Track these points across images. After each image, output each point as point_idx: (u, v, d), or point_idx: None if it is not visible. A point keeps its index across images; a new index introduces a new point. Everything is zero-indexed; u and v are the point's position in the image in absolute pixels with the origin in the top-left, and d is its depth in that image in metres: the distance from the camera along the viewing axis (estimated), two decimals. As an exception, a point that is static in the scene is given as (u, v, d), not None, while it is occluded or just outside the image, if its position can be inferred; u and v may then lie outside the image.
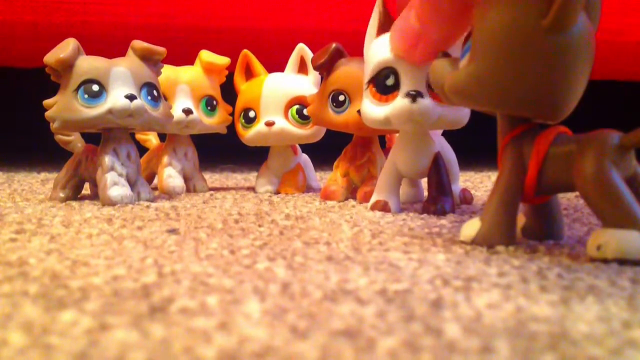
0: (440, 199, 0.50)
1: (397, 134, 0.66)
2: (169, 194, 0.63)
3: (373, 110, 0.49)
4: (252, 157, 0.77)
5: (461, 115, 0.48)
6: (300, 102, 0.62)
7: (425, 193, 0.62)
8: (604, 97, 1.02)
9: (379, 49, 0.49)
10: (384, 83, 0.48)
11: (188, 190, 0.66)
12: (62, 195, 0.58)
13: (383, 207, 0.51)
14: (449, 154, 0.55)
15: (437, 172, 0.50)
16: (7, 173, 0.86)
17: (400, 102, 0.47)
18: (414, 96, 0.46)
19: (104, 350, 0.20)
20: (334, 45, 0.56)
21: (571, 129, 0.36)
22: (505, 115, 0.37)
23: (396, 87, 0.48)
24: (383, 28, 0.50)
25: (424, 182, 0.61)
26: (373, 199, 0.52)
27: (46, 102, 0.53)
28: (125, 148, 0.55)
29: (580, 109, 0.36)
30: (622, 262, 0.32)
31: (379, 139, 0.61)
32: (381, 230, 0.42)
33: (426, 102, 0.46)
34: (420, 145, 0.51)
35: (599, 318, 0.24)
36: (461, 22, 0.41)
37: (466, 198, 0.58)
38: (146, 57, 0.56)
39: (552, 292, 0.27)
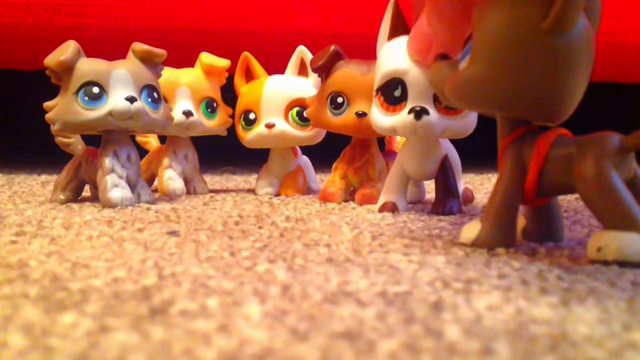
0: (448, 201, 0.51)
1: (398, 136, 0.67)
2: (169, 196, 0.63)
3: (380, 118, 0.49)
4: (252, 159, 0.77)
5: (467, 125, 0.49)
6: (300, 104, 0.62)
7: (427, 192, 0.62)
8: (604, 99, 1.02)
9: (388, 56, 0.49)
10: (392, 94, 0.48)
11: (188, 192, 0.66)
12: (62, 197, 0.58)
13: (392, 208, 0.51)
14: (452, 154, 0.56)
15: (445, 175, 0.51)
16: (8, 175, 0.86)
17: (405, 117, 0.47)
18: (419, 113, 0.47)
19: (104, 352, 0.20)
20: (332, 47, 0.57)
21: (571, 131, 0.36)
22: (506, 117, 0.37)
23: (404, 97, 0.48)
24: (395, 31, 0.50)
25: (426, 182, 0.61)
26: (381, 201, 0.52)
27: (46, 104, 0.53)
28: (126, 150, 0.55)
29: (580, 111, 0.36)
30: (623, 264, 0.32)
31: (378, 141, 0.61)
32: (381, 232, 0.42)
33: (430, 118, 0.47)
34: (428, 149, 0.51)
35: (599, 320, 0.23)
36: (468, 24, 0.42)
37: (468, 197, 0.58)
38: (146, 59, 0.56)
39: (552, 294, 0.27)
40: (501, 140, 0.37)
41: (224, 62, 0.66)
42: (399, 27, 0.50)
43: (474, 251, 0.36)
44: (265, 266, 0.32)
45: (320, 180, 0.73)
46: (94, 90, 0.52)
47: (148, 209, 0.53)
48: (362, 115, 0.54)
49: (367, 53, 0.58)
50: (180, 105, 0.63)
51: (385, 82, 0.49)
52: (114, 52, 0.58)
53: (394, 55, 0.48)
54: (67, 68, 0.52)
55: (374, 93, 0.50)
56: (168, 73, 0.62)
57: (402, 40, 0.48)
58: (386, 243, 0.38)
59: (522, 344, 0.21)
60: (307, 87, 0.63)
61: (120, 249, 0.36)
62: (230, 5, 0.86)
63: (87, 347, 0.20)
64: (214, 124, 0.66)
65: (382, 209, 0.52)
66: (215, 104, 0.66)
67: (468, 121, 0.49)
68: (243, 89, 0.65)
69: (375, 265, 0.32)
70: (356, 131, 0.56)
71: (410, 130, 0.47)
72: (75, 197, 0.59)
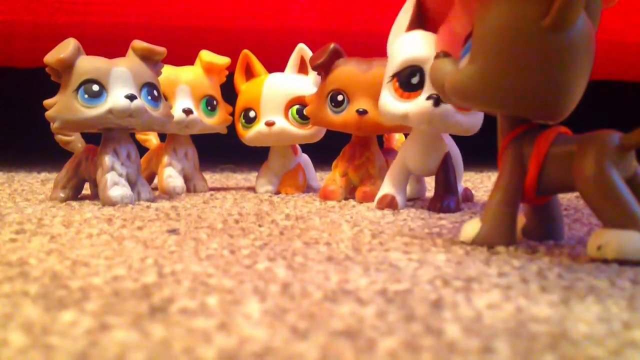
0: (446, 197, 0.51)
1: (397, 134, 0.67)
2: (169, 194, 0.63)
3: (393, 104, 0.49)
4: (252, 157, 0.77)
5: (476, 123, 0.49)
6: (300, 102, 0.62)
7: (428, 190, 0.62)
8: (605, 97, 1.02)
9: (407, 45, 0.49)
10: (408, 80, 0.49)
11: (188, 191, 0.66)
12: (62, 195, 0.58)
13: (390, 201, 0.51)
14: (455, 152, 0.56)
15: (445, 171, 0.51)
16: (8, 173, 0.86)
17: (422, 102, 0.48)
18: (438, 100, 0.47)
19: (104, 350, 0.20)
20: (332, 45, 0.57)
21: (571, 129, 0.36)
22: (506, 116, 0.37)
23: (420, 85, 0.48)
24: (414, 24, 0.50)
25: (426, 179, 0.61)
26: (380, 193, 0.52)
27: (46, 102, 0.53)
28: (126, 148, 0.55)
29: (580, 109, 0.36)
30: (622, 262, 0.32)
31: (377, 140, 0.61)
32: (381, 231, 0.42)
33: (447, 107, 0.47)
34: (431, 144, 0.51)
35: (599, 318, 0.23)
36: None
37: (467, 196, 0.58)
38: (146, 57, 0.56)
39: (552, 292, 0.27)
40: (501, 138, 0.37)
41: (224, 60, 0.66)
42: (418, 21, 0.50)
43: (474, 249, 0.36)
44: (265, 264, 0.32)
45: (321, 178, 0.73)
46: (94, 88, 0.52)
47: (148, 207, 0.53)
48: (363, 112, 0.54)
49: (368, 51, 0.58)
50: (180, 103, 0.63)
51: (403, 68, 0.49)
52: (114, 49, 0.58)
53: (414, 45, 0.49)
54: (67, 66, 0.52)
55: (387, 80, 0.50)
56: (168, 71, 0.62)
57: (420, 33, 0.49)
58: (386, 241, 0.38)
59: (522, 342, 0.21)
60: (307, 85, 0.63)
61: (120, 247, 0.36)
62: (230, 3, 0.86)
63: (87, 346, 0.20)
64: (214, 122, 0.66)
65: (381, 201, 0.52)
66: (215, 102, 0.66)
67: (477, 119, 0.49)
68: (243, 86, 0.65)
69: (375, 263, 0.32)
70: (357, 129, 0.56)
71: (425, 117, 0.47)
72: (75, 195, 0.59)
